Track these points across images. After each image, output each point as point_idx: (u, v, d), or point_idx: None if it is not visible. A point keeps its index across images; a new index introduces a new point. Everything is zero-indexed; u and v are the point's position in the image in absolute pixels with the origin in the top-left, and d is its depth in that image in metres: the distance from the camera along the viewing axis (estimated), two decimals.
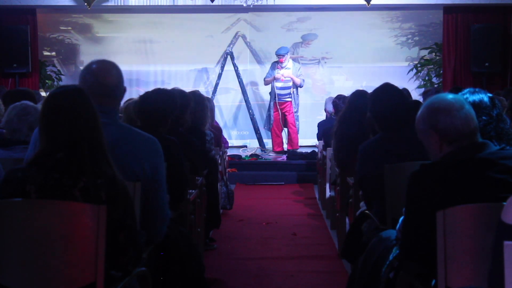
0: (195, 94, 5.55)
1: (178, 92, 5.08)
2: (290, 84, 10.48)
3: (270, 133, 10.96)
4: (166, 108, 4.03)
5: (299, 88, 10.60)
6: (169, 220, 3.08)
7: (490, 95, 3.00)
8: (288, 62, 10.52)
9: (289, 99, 10.51)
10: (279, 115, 10.53)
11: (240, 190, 8.83)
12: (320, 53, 12.01)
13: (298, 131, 10.65)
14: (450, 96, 2.55)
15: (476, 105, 2.84)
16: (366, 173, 3.69)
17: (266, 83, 10.83)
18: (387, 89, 3.86)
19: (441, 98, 2.54)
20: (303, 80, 10.63)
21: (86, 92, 2.52)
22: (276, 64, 10.55)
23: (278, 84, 10.51)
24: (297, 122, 10.62)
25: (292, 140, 10.66)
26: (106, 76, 2.84)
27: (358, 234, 3.76)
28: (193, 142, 4.79)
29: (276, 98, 10.47)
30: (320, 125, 8.24)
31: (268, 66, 11.06)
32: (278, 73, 10.45)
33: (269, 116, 10.69)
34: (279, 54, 10.47)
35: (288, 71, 10.47)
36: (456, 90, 3.97)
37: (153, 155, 2.91)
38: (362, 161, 3.76)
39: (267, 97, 11.05)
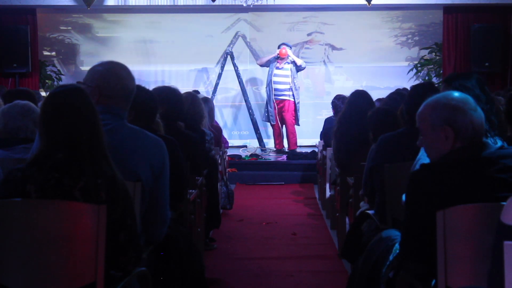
0: (190, 93, 5.50)
1: (173, 89, 5.00)
2: (289, 80, 10.43)
3: (268, 127, 10.92)
4: (151, 105, 3.90)
5: (299, 70, 10.52)
6: (169, 220, 3.08)
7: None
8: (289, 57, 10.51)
9: (287, 97, 10.47)
10: (276, 112, 10.53)
11: (240, 190, 8.83)
12: (320, 53, 12.03)
13: (297, 121, 10.53)
14: (464, 95, 2.54)
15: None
16: (380, 162, 3.67)
17: (259, 62, 10.86)
18: (429, 88, 3.78)
19: (457, 96, 2.51)
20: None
21: (86, 91, 2.51)
22: (277, 58, 10.53)
23: (275, 79, 10.48)
24: (298, 113, 10.52)
25: (289, 140, 10.60)
26: (114, 78, 2.82)
27: (358, 234, 3.77)
28: (194, 140, 4.76)
29: (272, 95, 10.45)
30: (327, 121, 7.96)
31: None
32: (279, 55, 10.41)
33: (267, 109, 10.64)
34: (282, 44, 10.47)
35: (290, 52, 10.44)
36: (429, 85, 3.95)
37: (159, 156, 2.90)
38: (378, 149, 3.78)
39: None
